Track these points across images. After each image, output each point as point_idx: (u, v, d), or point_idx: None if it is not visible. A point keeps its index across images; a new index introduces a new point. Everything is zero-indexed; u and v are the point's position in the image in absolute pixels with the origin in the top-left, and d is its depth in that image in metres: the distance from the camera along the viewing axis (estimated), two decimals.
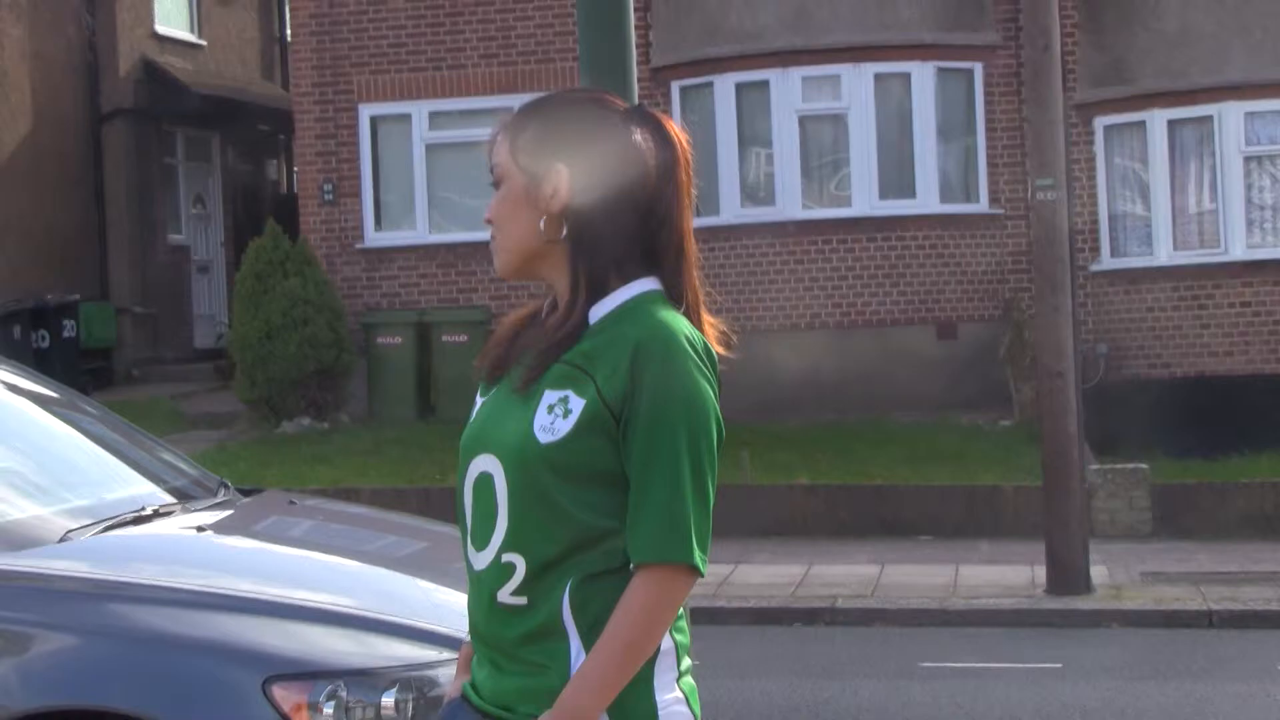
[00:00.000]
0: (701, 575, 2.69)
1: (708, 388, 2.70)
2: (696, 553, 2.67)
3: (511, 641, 2.73)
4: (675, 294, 2.78)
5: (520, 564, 2.71)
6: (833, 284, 16.47)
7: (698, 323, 2.79)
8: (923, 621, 10.91)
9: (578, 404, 2.69)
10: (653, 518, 2.66)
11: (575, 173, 2.75)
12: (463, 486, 2.81)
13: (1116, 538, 13.23)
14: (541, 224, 2.76)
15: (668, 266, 2.78)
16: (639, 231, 2.77)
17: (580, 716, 2.64)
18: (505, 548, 2.72)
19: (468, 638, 2.89)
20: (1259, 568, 12.14)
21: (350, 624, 4.33)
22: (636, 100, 5.61)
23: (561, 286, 2.80)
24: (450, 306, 17.11)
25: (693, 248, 2.82)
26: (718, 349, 2.79)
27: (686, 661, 2.80)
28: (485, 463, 2.76)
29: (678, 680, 2.76)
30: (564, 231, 2.76)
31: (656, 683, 2.72)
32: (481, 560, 2.76)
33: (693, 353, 2.70)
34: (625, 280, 2.76)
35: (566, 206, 2.76)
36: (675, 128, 2.82)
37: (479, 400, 2.87)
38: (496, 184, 2.82)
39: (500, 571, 2.73)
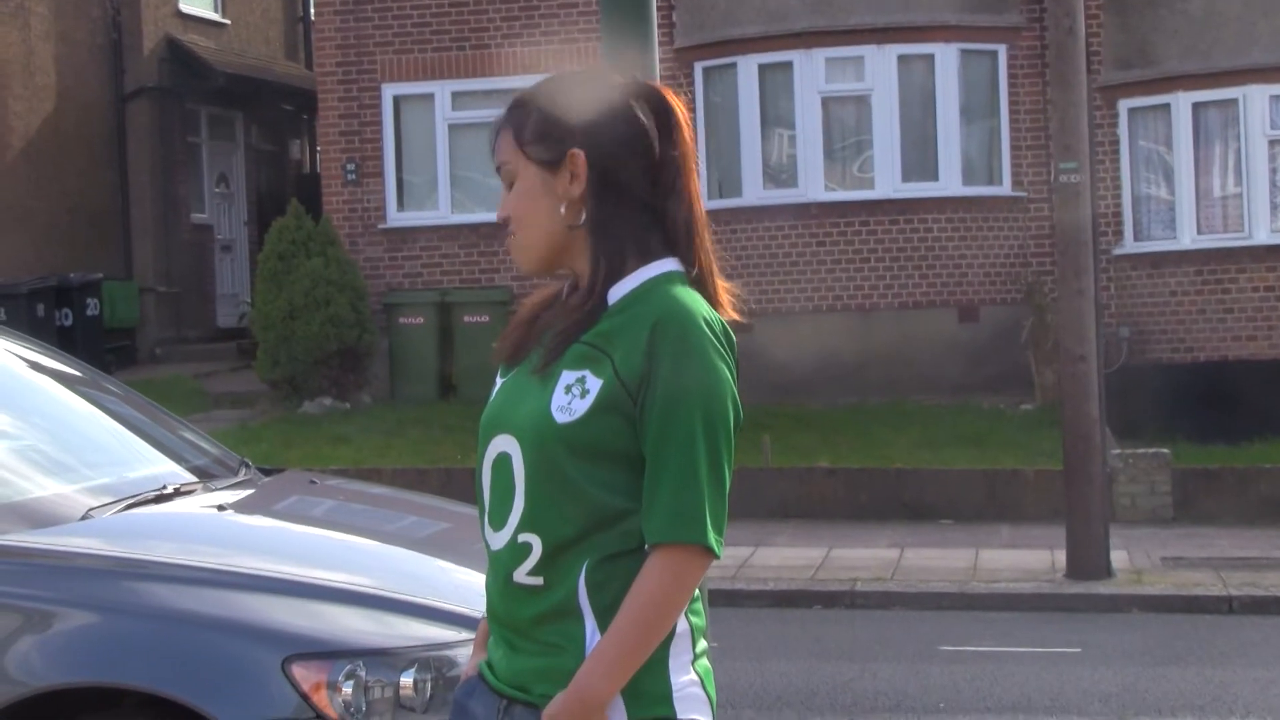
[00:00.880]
0: (717, 556, 2.69)
1: (725, 370, 2.70)
2: (711, 534, 2.67)
3: (527, 621, 2.74)
4: (689, 261, 2.77)
5: (537, 544, 2.71)
6: (854, 266, 16.44)
7: (711, 288, 2.78)
8: (942, 605, 10.91)
9: (595, 384, 2.70)
10: (667, 499, 2.66)
11: (589, 154, 2.75)
12: (481, 466, 2.82)
13: (1137, 523, 13.21)
14: (563, 209, 2.76)
15: (680, 235, 2.78)
16: (651, 203, 2.77)
17: (594, 697, 2.65)
18: (522, 527, 2.73)
19: (484, 616, 2.90)
20: None
21: (370, 604, 4.35)
22: (659, 80, 5.61)
23: (583, 269, 2.79)
24: (472, 287, 17.13)
25: (702, 212, 2.81)
26: (732, 315, 2.79)
27: (702, 644, 2.80)
28: (504, 443, 2.77)
29: (693, 662, 2.76)
30: (583, 216, 2.77)
31: (671, 664, 2.73)
32: (499, 540, 2.77)
33: (710, 334, 2.70)
34: (643, 257, 2.76)
35: (585, 190, 2.76)
36: (671, 94, 2.81)
37: (499, 381, 2.88)
38: (509, 184, 2.80)
39: (517, 551, 2.73)
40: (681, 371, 2.66)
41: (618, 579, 2.69)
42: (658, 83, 2.84)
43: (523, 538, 2.73)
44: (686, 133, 2.79)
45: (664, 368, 2.66)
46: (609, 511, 2.70)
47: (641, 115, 2.77)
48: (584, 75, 2.86)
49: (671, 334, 2.67)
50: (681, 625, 2.74)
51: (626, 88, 2.80)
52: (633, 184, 2.75)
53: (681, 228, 2.78)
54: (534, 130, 2.77)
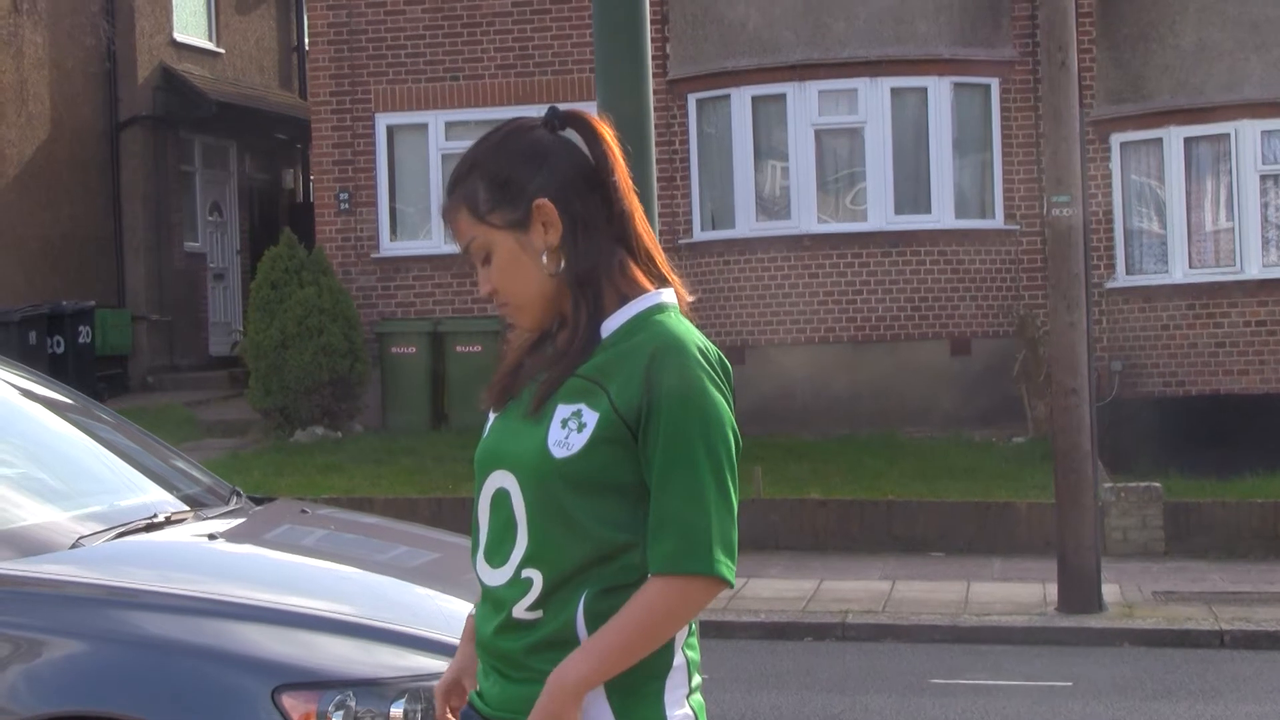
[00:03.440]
0: (730, 584, 2.69)
1: (722, 398, 2.72)
2: (720, 563, 2.67)
3: (520, 651, 2.75)
4: (655, 274, 2.80)
5: (539, 579, 2.72)
6: (847, 298, 16.46)
7: (656, 269, 2.79)
8: (934, 638, 10.88)
9: (591, 417, 2.71)
10: (672, 531, 2.67)
11: (552, 199, 2.76)
12: (479, 502, 2.82)
13: (1129, 556, 13.19)
14: (545, 259, 2.77)
15: (642, 253, 2.81)
16: (612, 229, 2.80)
17: (572, 680, 2.64)
18: (525, 563, 2.73)
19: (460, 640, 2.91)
20: (1272, 588, 12.10)
21: (359, 633, 4.33)
22: (652, 112, 5.63)
23: (569, 310, 2.81)
24: (464, 316, 17.13)
25: (647, 223, 2.83)
26: (683, 295, 2.82)
27: (697, 679, 2.81)
28: (501, 479, 2.78)
29: (688, 696, 2.77)
30: (562, 261, 2.78)
31: (667, 698, 2.73)
32: (499, 576, 2.77)
33: (705, 364, 2.72)
34: (624, 286, 2.78)
35: (560, 236, 2.77)
36: (592, 116, 2.84)
37: (491, 417, 2.88)
38: (482, 259, 2.81)
39: (519, 587, 2.74)
40: (680, 402, 2.68)
41: (616, 610, 2.69)
42: (576, 109, 2.85)
43: (525, 573, 2.73)
44: (617, 150, 2.82)
45: (663, 400, 2.68)
46: (610, 546, 2.71)
47: (576, 144, 2.80)
48: (506, 127, 2.85)
49: (669, 366, 2.69)
50: (678, 659, 2.74)
51: (550, 123, 2.82)
52: (594, 215, 2.78)
53: (641, 245, 2.81)
54: (488, 199, 2.78)
